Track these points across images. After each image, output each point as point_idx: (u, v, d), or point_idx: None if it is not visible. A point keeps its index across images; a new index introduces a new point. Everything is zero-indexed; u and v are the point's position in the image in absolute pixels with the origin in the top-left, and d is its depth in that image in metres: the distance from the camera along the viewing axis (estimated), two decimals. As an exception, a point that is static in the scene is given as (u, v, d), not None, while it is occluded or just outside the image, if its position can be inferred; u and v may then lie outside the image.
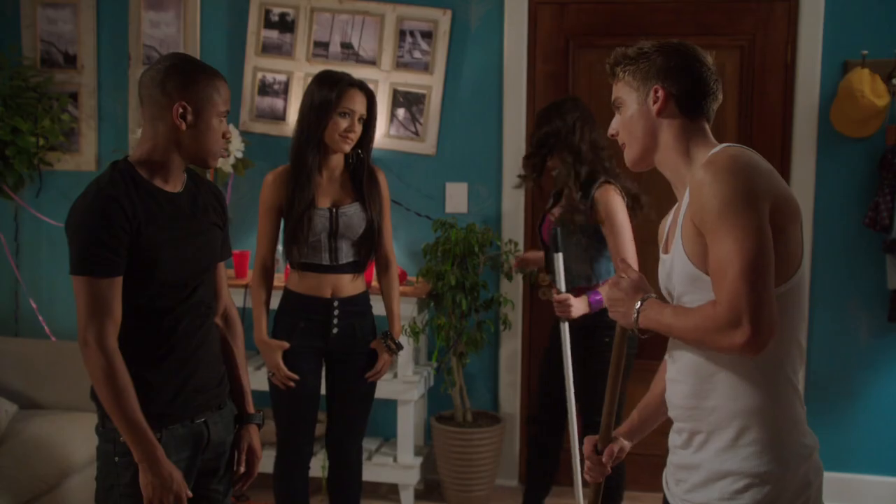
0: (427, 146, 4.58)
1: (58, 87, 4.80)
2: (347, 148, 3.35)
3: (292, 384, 3.36)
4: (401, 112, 4.59)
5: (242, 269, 4.47)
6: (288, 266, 3.68)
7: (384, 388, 4.30)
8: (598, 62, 4.37)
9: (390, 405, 4.48)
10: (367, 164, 3.42)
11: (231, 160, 4.38)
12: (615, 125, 2.07)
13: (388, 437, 4.64)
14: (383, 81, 4.57)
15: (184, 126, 2.32)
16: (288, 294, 3.45)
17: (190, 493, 2.34)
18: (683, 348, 1.95)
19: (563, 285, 3.47)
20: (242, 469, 2.58)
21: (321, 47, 4.62)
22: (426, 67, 4.54)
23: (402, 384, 4.30)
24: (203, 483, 2.50)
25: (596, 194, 3.47)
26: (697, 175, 1.84)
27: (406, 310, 4.23)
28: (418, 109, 4.57)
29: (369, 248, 3.45)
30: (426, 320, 4.44)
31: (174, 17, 4.75)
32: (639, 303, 1.97)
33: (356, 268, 3.44)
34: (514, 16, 4.44)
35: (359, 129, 3.34)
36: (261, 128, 4.71)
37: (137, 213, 2.28)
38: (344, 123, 3.30)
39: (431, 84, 4.54)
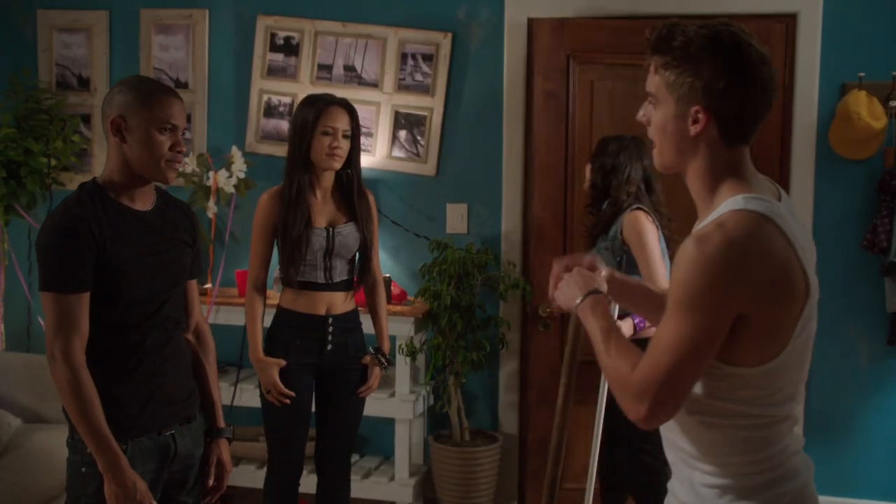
0: (428, 167, 4.63)
1: (71, 109, 4.93)
2: (337, 165, 3.42)
3: (288, 401, 3.41)
4: (402, 134, 4.65)
5: (245, 288, 4.53)
6: (278, 285, 3.72)
7: (382, 407, 4.35)
8: (599, 79, 4.41)
9: (391, 424, 4.51)
10: (357, 184, 3.48)
11: (233, 180, 4.47)
12: (647, 114, 1.84)
13: (389, 455, 4.68)
14: (385, 103, 4.64)
15: (123, 140, 2.38)
16: (283, 312, 3.50)
17: (154, 503, 2.40)
18: None
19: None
20: (211, 482, 2.64)
21: (325, 70, 4.70)
22: (427, 90, 4.60)
23: (400, 402, 4.34)
24: (172, 495, 2.56)
25: (624, 219, 3.51)
26: (687, 245, 1.68)
27: (403, 329, 4.28)
28: (420, 131, 4.63)
29: (362, 266, 3.54)
30: (424, 340, 4.48)
31: (183, 40, 4.86)
32: (582, 296, 1.91)
33: (349, 286, 3.52)
34: (514, 36, 4.49)
35: (345, 144, 3.41)
36: (266, 149, 4.79)
37: (103, 230, 2.35)
38: (327, 141, 3.37)
39: (432, 106, 4.60)
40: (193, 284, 2.67)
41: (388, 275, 4.49)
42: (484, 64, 4.55)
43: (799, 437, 1.88)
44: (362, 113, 4.63)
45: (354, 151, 3.46)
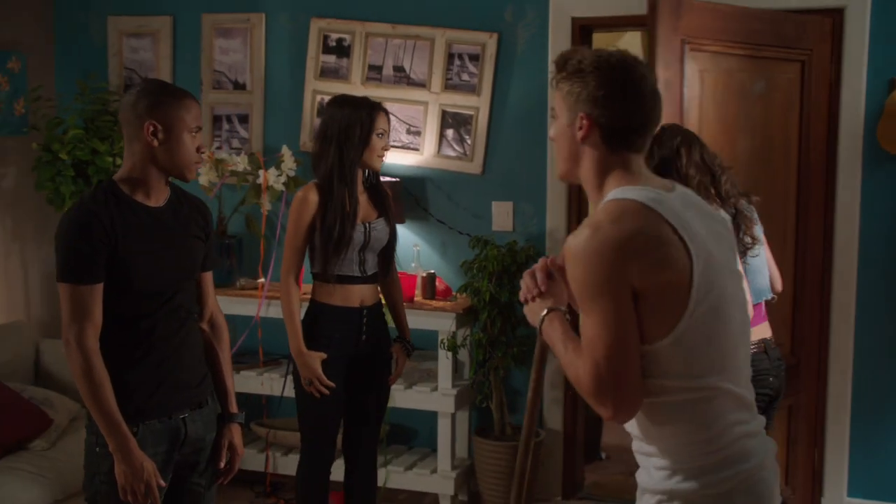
0: (474, 165, 4.70)
1: (138, 110, 5.15)
2: (380, 166, 3.61)
3: (328, 392, 3.53)
4: (450, 133, 4.73)
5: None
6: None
7: (424, 400, 4.45)
8: (706, 70, 4.24)
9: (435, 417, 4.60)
10: (379, 181, 3.64)
11: (283, 178, 4.62)
12: (551, 131, 2.08)
13: (435, 448, 4.76)
14: (433, 103, 4.73)
15: (156, 143, 2.53)
16: (321, 306, 3.61)
17: (162, 483, 2.54)
18: None
19: None
20: (223, 464, 2.77)
21: (375, 71, 4.82)
22: (474, 89, 4.67)
23: (441, 396, 4.43)
24: (184, 476, 2.70)
25: None
26: (568, 240, 1.89)
27: (444, 324, 4.37)
28: (466, 130, 4.71)
29: (387, 258, 3.68)
30: (467, 335, 4.55)
31: (241, 44, 5.03)
32: (545, 310, 2.02)
33: (375, 278, 3.65)
34: (558, 37, 4.53)
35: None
36: (320, 148, 4.92)
37: (115, 225, 2.49)
38: (380, 143, 3.56)
39: (479, 105, 4.67)
40: (208, 276, 2.81)
41: (432, 271, 4.59)
42: (529, 64, 4.60)
43: (750, 420, 1.96)
44: (410, 112, 4.77)
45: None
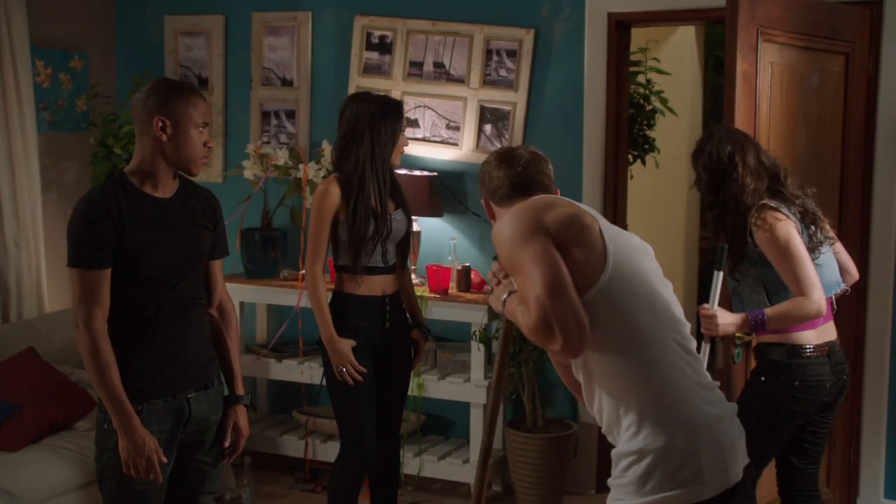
0: (511, 160, 4.74)
1: (192, 106, 5.33)
2: (399, 161, 3.74)
3: (361, 379, 3.63)
4: (488, 128, 4.79)
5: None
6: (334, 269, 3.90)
7: (457, 391, 4.53)
8: (776, 61, 4.07)
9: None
10: (393, 174, 3.75)
11: (322, 172, 4.74)
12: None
13: (470, 439, 4.83)
14: (471, 98, 4.80)
15: (164, 138, 2.68)
16: (346, 297, 3.69)
17: (164, 459, 2.68)
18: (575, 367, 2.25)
19: (715, 303, 3.14)
20: (227, 443, 2.91)
21: (416, 67, 4.90)
22: (511, 85, 4.72)
23: (473, 387, 4.49)
24: (190, 454, 2.84)
25: (751, 223, 3.12)
26: (495, 230, 2.23)
27: (476, 316, 4.44)
28: (504, 125, 4.75)
29: (407, 248, 3.80)
30: (499, 327, 4.60)
31: (289, 41, 5.17)
32: (506, 293, 2.24)
33: (394, 268, 3.75)
34: (595, 33, 4.54)
35: None
36: (363, 143, 5.03)
37: (123, 215, 2.64)
38: (403, 141, 3.70)
39: (516, 101, 4.72)
40: (216, 264, 2.94)
41: (468, 263, 4.66)
42: (566, 59, 4.63)
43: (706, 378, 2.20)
44: (449, 108, 4.84)
45: None
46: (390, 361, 3.76)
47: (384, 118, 3.62)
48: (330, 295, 3.72)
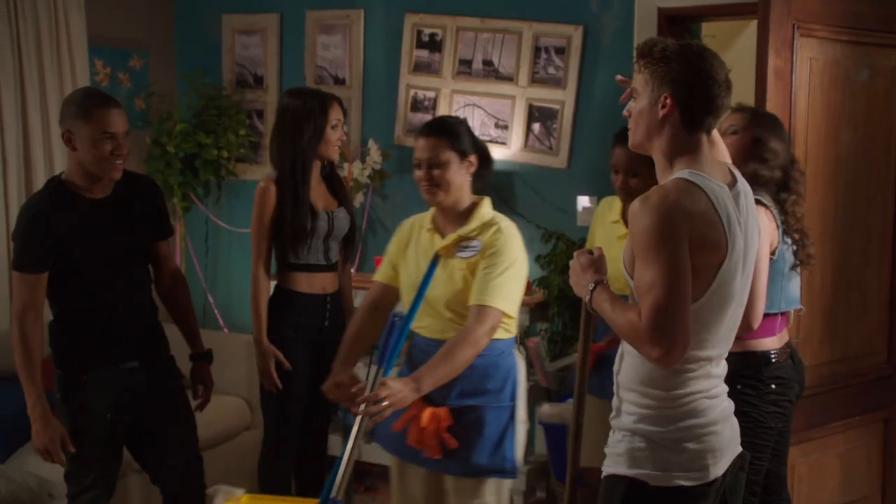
0: (560, 160, 4.66)
1: (248, 105, 5.39)
2: (337, 156, 3.76)
3: (279, 385, 3.65)
4: (536, 126, 4.70)
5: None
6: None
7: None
8: (815, 57, 3.93)
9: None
10: (335, 171, 3.81)
11: (368, 171, 4.72)
12: (629, 108, 2.28)
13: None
14: (520, 97, 4.72)
15: (71, 148, 2.98)
16: (287, 292, 3.72)
17: (71, 449, 3.00)
18: None
19: None
20: (199, 397, 3.42)
21: (465, 65, 4.85)
22: (560, 82, 4.62)
23: (515, 391, 4.41)
24: (150, 422, 3.23)
25: None
26: (634, 205, 2.11)
27: (520, 319, 4.35)
28: (552, 124, 4.66)
29: (348, 247, 3.83)
30: (542, 329, 4.52)
31: (342, 39, 5.17)
32: (592, 284, 2.26)
33: (337, 266, 3.78)
34: (644, 29, 4.41)
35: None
36: (413, 142, 4.99)
37: (61, 222, 2.97)
38: (336, 134, 3.69)
39: (564, 99, 4.62)
40: (163, 243, 3.34)
41: (512, 265, 4.58)
42: (614, 56, 4.51)
43: (711, 388, 2.24)
44: (498, 106, 4.77)
45: None
46: (327, 360, 3.71)
47: (308, 114, 3.60)
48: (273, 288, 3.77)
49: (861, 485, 4.05)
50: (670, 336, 2.03)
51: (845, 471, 3.95)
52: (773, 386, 3.10)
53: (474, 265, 2.90)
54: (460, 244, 2.94)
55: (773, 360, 3.11)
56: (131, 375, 3.14)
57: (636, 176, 3.32)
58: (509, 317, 2.93)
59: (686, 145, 2.19)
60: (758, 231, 2.30)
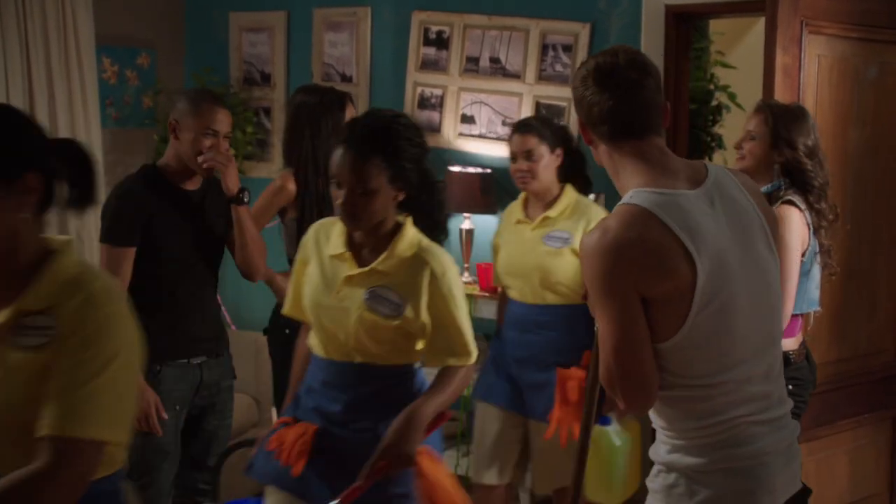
0: (567, 157, 4.64)
1: (255, 102, 5.40)
2: None
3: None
4: (543, 124, 4.69)
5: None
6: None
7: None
8: (823, 54, 3.86)
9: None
10: None
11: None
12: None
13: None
14: (527, 94, 4.71)
15: (174, 137, 3.12)
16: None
17: (164, 416, 3.04)
18: None
19: None
20: None
21: (472, 62, 4.84)
22: (567, 80, 4.61)
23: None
24: (202, 415, 3.27)
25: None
26: (583, 238, 1.99)
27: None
28: (559, 122, 4.64)
29: None
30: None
31: (349, 37, 5.17)
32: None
33: None
34: (652, 26, 4.41)
35: None
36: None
37: (151, 203, 3.07)
38: None
39: (571, 97, 4.60)
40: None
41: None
42: (622, 53, 4.49)
43: (757, 412, 2.00)
44: (505, 104, 4.77)
45: None
46: None
47: (326, 110, 3.59)
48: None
49: (869, 483, 4.04)
50: (623, 389, 1.94)
51: (853, 469, 3.94)
52: (791, 387, 3.00)
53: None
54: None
55: (792, 362, 3.10)
56: (199, 370, 3.20)
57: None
58: None
59: (622, 156, 2.04)
60: (762, 218, 2.05)
